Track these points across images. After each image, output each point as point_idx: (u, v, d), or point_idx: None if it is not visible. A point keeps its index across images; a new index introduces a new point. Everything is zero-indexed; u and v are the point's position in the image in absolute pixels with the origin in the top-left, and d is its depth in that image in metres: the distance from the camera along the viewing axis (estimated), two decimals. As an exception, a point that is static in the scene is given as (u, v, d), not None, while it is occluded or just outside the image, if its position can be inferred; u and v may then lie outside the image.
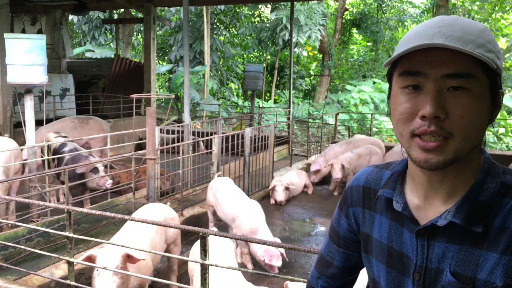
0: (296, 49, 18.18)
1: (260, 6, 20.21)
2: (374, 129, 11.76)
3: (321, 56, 20.90)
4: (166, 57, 20.35)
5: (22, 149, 5.42)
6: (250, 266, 4.94)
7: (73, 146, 5.97)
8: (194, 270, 3.47)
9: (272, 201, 7.08)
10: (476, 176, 0.93)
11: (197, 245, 3.69)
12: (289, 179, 7.33)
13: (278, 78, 20.91)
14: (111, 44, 21.51)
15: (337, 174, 7.39)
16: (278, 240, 4.59)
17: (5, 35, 4.78)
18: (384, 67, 0.98)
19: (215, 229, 5.19)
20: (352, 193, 1.14)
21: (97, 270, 3.02)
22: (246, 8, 20.15)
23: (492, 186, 0.90)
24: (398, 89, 0.93)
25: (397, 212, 1.00)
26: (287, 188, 7.02)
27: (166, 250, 4.12)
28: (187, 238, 5.52)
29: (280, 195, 6.87)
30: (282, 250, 4.62)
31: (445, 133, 0.86)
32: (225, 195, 5.28)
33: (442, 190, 0.94)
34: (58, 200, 6.05)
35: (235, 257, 3.84)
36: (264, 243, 2.89)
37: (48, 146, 5.87)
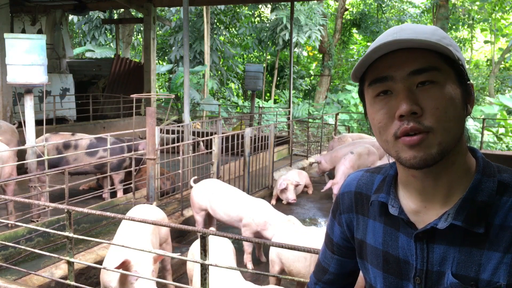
0: (296, 49, 18.18)
1: (260, 6, 20.21)
2: (374, 129, 11.73)
3: (321, 56, 20.91)
4: (166, 57, 20.34)
5: (13, 150, 5.32)
6: (250, 266, 4.94)
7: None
8: (193, 270, 3.47)
9: (284, 202, 6.99)
10: (470, 176, 0.93)
11: (195, 245, 3.69)
12: (293, 177, 7.30)
13: (278, 78, 20.91)
14: (111, 44, 21.52)
15: (291, 195, 6.81)
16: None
17: (5, 35, 4.76)
18: (352, 79, 0.99)
19: (214, 229, 5.20)
20: (343, 199, 1.13)
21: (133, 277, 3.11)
22: (246, 8, 20.14)
23: (490, 185, 0.90)
24: (371, 99, 0.94)
25: (392, 217, 0.99)
26: (296, 186, 6.99)
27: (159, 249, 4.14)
28: (187, 238, 5.52)
29: (293, 194, 6.78)
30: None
31: (424, 127, 0.87)
32: (226, 196, 5.16)
33: (438, 193, 0.94)
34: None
35: (234, 257, 3.84)
36: (264, 242, 2.88)
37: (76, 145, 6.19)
